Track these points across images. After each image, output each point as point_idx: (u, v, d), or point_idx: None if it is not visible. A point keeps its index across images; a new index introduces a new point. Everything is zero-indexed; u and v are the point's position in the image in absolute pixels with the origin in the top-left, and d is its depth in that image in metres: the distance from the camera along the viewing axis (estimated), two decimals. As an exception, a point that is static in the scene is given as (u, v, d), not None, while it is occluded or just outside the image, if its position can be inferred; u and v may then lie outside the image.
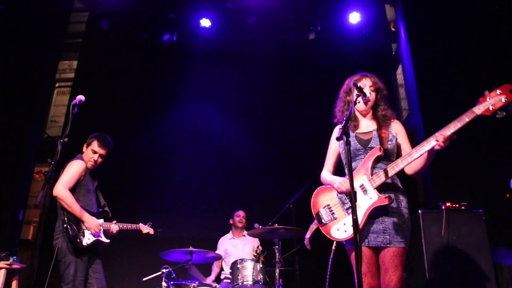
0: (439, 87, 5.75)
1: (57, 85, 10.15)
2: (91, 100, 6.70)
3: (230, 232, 6.08)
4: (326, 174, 3.06)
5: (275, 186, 6.69)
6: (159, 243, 4.75)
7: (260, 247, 5.08)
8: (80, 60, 8.11)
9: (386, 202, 2.65)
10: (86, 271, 3.84)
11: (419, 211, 4.14)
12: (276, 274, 4.50)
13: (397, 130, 2.95)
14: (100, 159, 4.10)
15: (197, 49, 7.49)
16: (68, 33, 7.67)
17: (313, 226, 3.03)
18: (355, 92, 2.73)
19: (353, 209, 2.19)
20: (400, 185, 2.87)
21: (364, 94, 2.86)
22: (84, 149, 4.12)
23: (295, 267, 5.27)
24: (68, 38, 7.87)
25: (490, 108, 2.52)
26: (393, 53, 7.81)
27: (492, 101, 2.53)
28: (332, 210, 2.89)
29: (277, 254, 4.59)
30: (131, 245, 6.17)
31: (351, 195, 2.19)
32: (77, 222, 3.84)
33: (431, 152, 2.66)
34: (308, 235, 3.06)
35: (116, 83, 7.39)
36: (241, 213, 6.06)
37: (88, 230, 3.86)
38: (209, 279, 5.70)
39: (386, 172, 2.71)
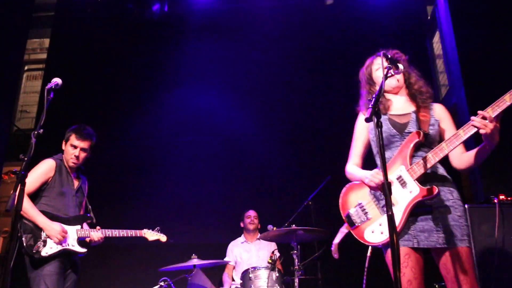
0: (486, 57, 5.68)
1: (26, 68, 10.16)
2: (68, 86, 6.78)
3: (242, 235, 6.11)
4: (353, 168, 3.02)
5: (290, 180, 6.69)
6: (157, 251, 4.78)
7: (276, 252, 5.10)
8: (53, 38, 8.08)
9: (430, 194, 2.60)
10: (62, 284, 3.89)
11: (466, 206, 3.96)
12: (296, 284, 4.50)
13: (440, 114, 2.90)
14: (83, 154, 4.15)
15: (193, 21, 7.46)
16: (38, 5, 7.65)
17: (343, 230, 3.00)
18: (385, 63, 2.66)
19: (388, 203, 2.15)
20: (447, 174, 2.81)
21: (396, 66, 2.76)
22: (63, 146, 4.18)
23: (317, 276, 5.28)
24: (38, 11, 7.86)
25: None
26: (429, 17, 7.73)
27: None
28: (365, 210, 2.86)
29: (296, 260, 4.60)
30: (124, 255, 6.23)
31: (385, 186, 2.16)
32: (37, 229, 3.89)
33: (486, 143, 2.54)
34: (337, 240, 3.03)
35: (98, 64, 7.37)
36: (251, 213, 6.07)
37: (50, 238, 3.89)
38: None
39: (428, 160, 2.66)
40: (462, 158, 2.78)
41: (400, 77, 2.96)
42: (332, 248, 3.08)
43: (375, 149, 2.99)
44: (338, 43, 7.24)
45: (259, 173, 6.88)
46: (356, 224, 2.86)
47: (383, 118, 2.91)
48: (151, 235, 4.47)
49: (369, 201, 2.87)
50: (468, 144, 2.75)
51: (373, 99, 2.35)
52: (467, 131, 2.57)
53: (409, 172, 2.71)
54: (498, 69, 5.45)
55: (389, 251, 2.75)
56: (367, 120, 2.31)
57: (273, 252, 5.06)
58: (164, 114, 7.08)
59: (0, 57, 6.51)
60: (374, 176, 2.75)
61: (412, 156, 2.76)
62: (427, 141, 2.79)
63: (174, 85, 7.24)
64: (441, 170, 2.82)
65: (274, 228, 4.83)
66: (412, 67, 3.03)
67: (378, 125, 2.29)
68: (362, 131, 3.10)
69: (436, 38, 7.73)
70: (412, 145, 2.75)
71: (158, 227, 4.54)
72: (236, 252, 5.95)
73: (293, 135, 7.04)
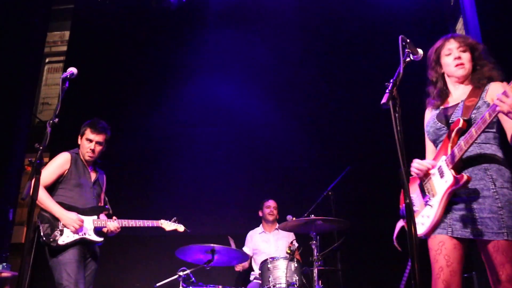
0: (512, 45, 5.53)
1: (47, 60, 10.25)
2: (88, 78, 6.89)
3: (261, 225, 6.09)
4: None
5: (310, 170, 6.64)
6: (175, 243, 4.79)
7: (294, 243, 5.07)
8: (73, 30, 8.15)
9: (458, 184, 2.55)
10: (83, 272, 3.99)
11: None
12: (315, 274, 4.48)
13: (492, 94, 2.67)
14: (98, 147, 4.27)
15: (211, 11, 7.43)
16: (58, -2, 7.72)
17: (399, 224, 3.04)
18: (403, 48, 2.55)
19: (405, 191, 2.12)
20: (499, 156, 2.68)
21: (416, 51, 2.64)
22: (79, 140, 4.31)
23: (337, 266, 5.21)
24: (58, 4, 7.91)
25: None
26: (452, 3, 7.55)
27: None
28: (414, 204, 2.86)
29: (315, 251, 4.58)
30: (141, 246, 6.29)
31: (402, 175, 2.12)
32: (54, 219, 4.00)
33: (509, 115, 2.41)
34: (395, 234, 3.04)
35: (117, 55, 7.41)
36: (271, 203, 6.05)
37: (66, 227, 3.98)
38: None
39: (460, 148, 2.59)
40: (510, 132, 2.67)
41: (467, 65, 2.84)
42: (394, 243, 3.10)
43: (431, 139, 2.94)
44: (358, 31, 7.13)
45: (278, 163, 6.84)
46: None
47: (434, 114, 2.90)
48: (168, 225, 4.49)
49: (418, 194, 2.86)
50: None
51: (391, 83, 2.29)
52: (491, 113, 2.45)
53: (446, 161, 2.67)
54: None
55: (428, 241, 2.75)
56: (383, 106, 2.25)
57: (291, 243, 5.05)
58: (182, 104, 7.06)
59: (20, 50, 6.56)
60: (414, 165, 2.77)
61: (455, 145, 2.67)
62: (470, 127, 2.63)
63: (192, 75, 7.22)
64: (489, 151, 2.69)
65: (294, 219, 4.80)
66: (487, 55, 2.89)
67: (396, 110, 2.22)
68: (426, 127, 3.01)
69: (460, 25, 7.54)
70: (453, 133, 2.69)
71: (175, 217, 4.56)
72: (254, 241, 5.95)
73: (313, 125, 6.98)
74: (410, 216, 2.04)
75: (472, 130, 2.53)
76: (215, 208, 6.58)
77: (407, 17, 6.86)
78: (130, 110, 7.09)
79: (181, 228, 4.54)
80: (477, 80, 2.81)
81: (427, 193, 2.78)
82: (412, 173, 2.79)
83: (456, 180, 2.56)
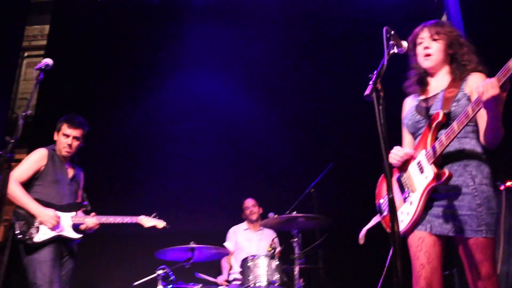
0: (495, 42, 5.52)
1: (26, 54, 10.11)
2: (69, 72, 6.76)
3: (245, 222, 6.03)
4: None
5: (293, 167, 6.59)
6: (154, 240, 4.75)
7: (275, 240, 5.01)
8: (53, 24, 7.99)
9: (439, 180, 2.50)
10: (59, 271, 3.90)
11: None
12: (296, 272, 4.43)
13: (472, 86, 2.61)
14: (75, 143, 4.20)
15: (196, 4, 7.35)
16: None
17: (376, 219, 2.97)
18: (387, 40, 2.48)
19: (389, 186, 2.06)
20: (478, 151, 2.62)
21: (400, 44, 2.57)
22: (56, 136, 4.24)
23: (319, 264, 5.21)
24: (38, -3, 7.76)
25: None
26: (435, 0, 7.55)
27: None
28: None
29: (296, 249, 4.53)
30: (120, 243, 6.17)
31: (386, 169, 2.06)
32: (30, 216, 3.92)
33: (485, 105, 2.35)
34: (367, 226, 2.99)
35: (98, 50, 7.27)
36: (249, 202, 5.98)
37: (43, 224, 3.90)
38: (221, 279, 5.65)
39: (441, 143, 2.53)
40: (482, 132, 2.61)
41: (436, 56, 2.76)
42: (360, 235, 3.03)
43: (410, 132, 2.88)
44: (342, 27, 7.10)
45: (261, 160, 6.79)
46: (384, 213, 2.82)
47: (412, 104, 2.84)
48: (148, 221, 4.42)
49: (396, 190, 2.79)
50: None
51: (374, 75, 2.23)
52: (475, 108, 2.40)
53: (426, 156, 2.61)
54: (508, 54, 5.29)
55: (409, 238, 2.70)
56: (366, 97, 2.19)
57: (273, 240, 4.99)
58: (164, 100, 6.98)
59: (-3, 43, 6.43)
60: (395, 152, 2.72)
61: (435, 139, 2.62)
62: (453, 120, 2.56)
63: (174, 70, 7.12)
64: (468, 146, 2.63)
65: (275, 216, 4.75)
66: (466, 42, 2.81)
67: (379, 103, 2.16)
68: (404, 119, 2.94)
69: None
70: (432, 127, 2.62)
71: (155, 213, 4.48)
72: (237, 237, 5.88)
73: (296, 121, 6.93)
74: (393, 212, 1.97)
75: (454, 124, 2.48)
76: (197, 204, 6.49)
77: (390, 13, 6.84)
78: (111, 106, 6.96)
79: (161, 224, 4.46)
80: (457, 70, 2.73)
81: (406, 189, 2.72)
82: (391, 160, 2.73)
83: (438, 176, 2.51)
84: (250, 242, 5.81)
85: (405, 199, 2.70)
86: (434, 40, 2.75)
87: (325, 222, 4.70)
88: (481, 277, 2.47)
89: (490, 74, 2.56)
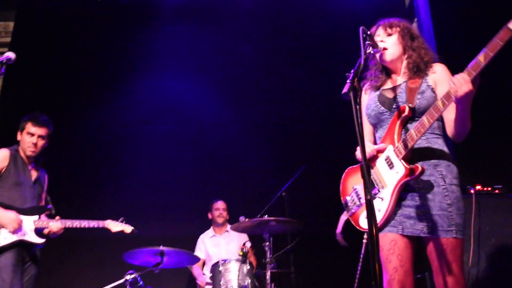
0: (465, 47, 5.59)
1: (-11, 52, 9.80)
2: (34, 71, 6.55)
3: (211, 228, 5.96)
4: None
5: (264, 170, 6.53)
6: (122, 244, 4.63)
7: (247, 244, 4.95)
8: (17, 21, 7.74)
9: (413, 175, 2.46)
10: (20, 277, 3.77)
11: None
12: (267, 277, 4.37)
13: (436, 77, 2.66)
14: (41, 142, 4.08)
15: (167, 5, 7.21)
16: (2, -14, 7.34)
17: (343, 218, 2.93)
18: (364, 40, 2.50)
19: (366, 186, 2.01)
20: (446, 150, 2.64)
21: (375, 45, 2.64)
22: (19, 136, 4.12)
23: (290, 269, 5.16)
24: (2, -8, 7.53)
25: None
26: (406, 6, 7.63)
27: None
28: (359, 195, 2.76)
29: (268, 253, 4.49)
30: (86, 248, 6.02)
31: (363, 168, 2.01)
32: None
33: (457, 107, 2.40)
34: (338, 229, 2.95)
35: (65, 48, 7.05)
36: (220, 204, 5.93)
37: (4, 227, 3.78)
38: (202, 280, 5.55)
39: (411, 137, 2.51)
40: (450, 125, 2.60)
41: (392, 49, 2.76)
42: (338, 238, 2.99)
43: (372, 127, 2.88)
44: (312, 30, 7.10)
45: (232, 163, 6.71)
46: (352, 211, 2.78)
47: (374, 95, 2.81)
48: (115, 225, 4.30)
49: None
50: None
51: (351, 74, 2.20)
52: (445, 101, 2.40)
53: (395, 151, 2.58)
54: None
55: (380, 240, 2.63)
56: (344, 96, 2.15)
57: (244, 244, 4.93)
58: (133, 101, 6.83)
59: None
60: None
61: (401, 133, 2.61)
62: (417, 113, 2.60)
63: (143, 72, 6.97)
64: (437, 145, 2.63)
65: (246, 219, 4.69)
66: (417, 35, 2.84)
67: (355, 101, 2.11)
68: (364, 109, 2.93)
69: (414, 26, 7.61)
70: (398, 122, 2.61)
71: (123, 218, 4.38)
72: (205, 246, 5.82)
73: (267, 124, 6.88)
74: (371, 212, 1.92)
75: (424, 119, 2.48)
76: (165, 208, 6.37)
77: (361, 20, 6.83)
78: (78, 106, 6.77)
79: (128, 229, 4.35)
80: (413, 63, 2.73)
81: (375, 185, 2.68)
82: (358, 156, 2.71)
83: (411, 171, 2.48)
84: (218, 247, 5.76)
85: (375, 196, 2.65)
86: (389, 35, 2.79)
87: (297, 226, 4.67)
88: (450, 278, 2.46)
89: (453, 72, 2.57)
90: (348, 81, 2.16)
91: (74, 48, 7.08)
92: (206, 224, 6.01)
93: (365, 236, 3.50)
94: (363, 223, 2.69)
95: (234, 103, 6.90)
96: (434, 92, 2.64)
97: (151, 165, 6.61)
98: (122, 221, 4.35)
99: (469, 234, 3.85)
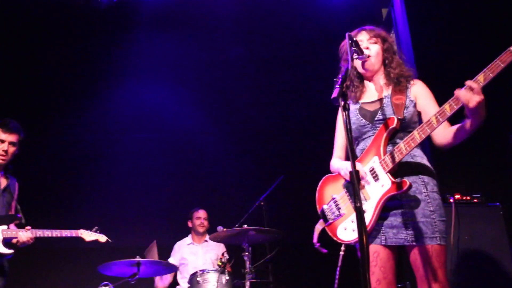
0: (443, 60, 5.64)
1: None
2: (7, 77, 6.36)
3: (189, 236, 5.88)
4: (335, 160, 2.87)
5: (242, 180, 6.52)
6: (97, 255, 4.52)
7: (226, 255, 4.87)
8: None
9: (401, 190, 2.43)
10: None
11: None
12: (246, 287, 4.33)
13: (417, 92, 2.68)
14: (11, 149, 3.95)
15: (145, 11, 7.04)
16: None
17: (318, 227, 2.82)
18: (350, 46, 2.44)
19: (356, 193, 1.95)
20: (426, 163, 2.64)
21: (361, 51, 2.59)
22: None
23: (269, 279, 5.10)
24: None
25: None
26: (384, 18, 7.68)
27: None
28: (338, 205, 2.70)
29: (247, 263, 4.44)
30: (59, 258, 5.88)
31: (353, 175, 1.95)
32: None
33: (469, 118, 2.34)
34: (314, 239, 2.86)
35: (41, 55, 6.84)
36: (201, 213, 5.85)
37: None
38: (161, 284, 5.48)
39: (400, 150, 2.49)
40: (445, 134, 2.55)
41: (375, 59, 2.72)
42: (316, 247, 2.91)
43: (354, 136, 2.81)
44: (292, 42, 7.09)
45: (210, 173, 6.70)
46: (329, 221, 2.71)
47: (354, 108, 2.75)
48: (89, 235, 4.20)
49: (343, 196, 2.71)
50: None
51: (339, 79, 2.14)
52: (439, 118, 2.37)
53: (381, 164, 2.54)
54: (454, 71, 5.42)
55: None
56: (334, 100, 2.08)
57: (223, 254, 4.84)
58: (110, 109, 6.72)
59: None
60: (347, 167, 2.61)
61: (387, 145, 2.58)
62: (402, 126, 2.59)
63: (122, 79, 6.86)
64: (419, 158, 2.63)
65: (224, 229, 4.58)
66: (399, 52, 2.84)
67: (345, 108, 2.06)
68: (340, 121, 2.91)
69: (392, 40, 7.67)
70: (386, 133, 2.57)
71: (97, 227, 4.27)
72: (182, 252, 5.72)
73: (246, 133, 6.87)
74: (360, 221, 1.86)
75: (416, 133, 2.45)
76: (142, 218, 6.31)
77: (339, 31, 6.85)
78: (54, 114, 6.62)
79: (103, 238, 4.26)
80: (397, 78, 2.70)
81: None
82: (343, 173, 2.66)
83: (398, 186, 2.44)
84: (196, 256, 5.67)
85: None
86: (373, 43, 2.75)
87: (277, 235, 4.63)
88: (436, 285, 2.44)
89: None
90: (337, 86, 2.10)
91: (50, 54, 6.90)
92: (183, 234, 5.92)
93: (342, 248, 3.44)
94: (342, 234, 2.63)
95: (213, 112, 6.87)
96: (415, 107, 2.66)
97: (128, 174, 6.50)
98: (96, 231, 4.27)
99: (448, 242, 3.73)
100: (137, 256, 4.40)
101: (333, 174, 2.82)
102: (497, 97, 4.88)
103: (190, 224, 5.85)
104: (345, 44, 2.73)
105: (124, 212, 6.30)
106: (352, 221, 2.59)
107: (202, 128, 6.75)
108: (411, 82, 2.72)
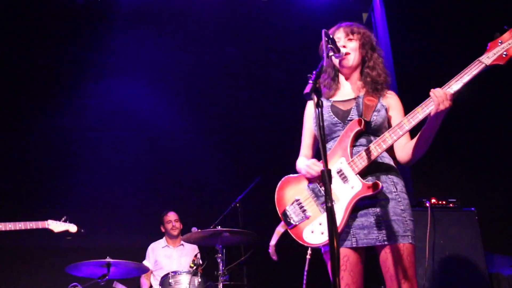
0: (421, 65, 5.64)
1: None
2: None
3: (164, 238, 5.76)
4: (301, 160, 2.78)
5: (218, 181, 6.40)
6: (65, 255, 4.37)
7: (198, 256, 4.77)
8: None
9: (371, 191, 2.38)
10: None
11: None
12: (220, 289, 4.24)
13: (390, 101, 2.66)
14: None
15: (122, 10, 6.90)
16: None
17: (279, 230, 2.67)
18: (326, 44, 2.38)
19: (327, 193, 1.86)
20: (393, 164, 2.60)
21: (337, 50, 2.53)
22: None
23: (243, 281, 5.08)
24: None
25: (504, 55, 2.32)
26: (364, 21, 7.67)
27: (506, 45, 2.33)
28: (303, 207, 2.58)
29: (220, 265, 4.36)
30: (25, 257, 5.67)
31: (325, 175, 1.86)
32: None
33: (430, 123, 2.39)
34: (273, 241, 2.74)
35: (14, 49, 6.66)
36: (171, 216, 5.71)
37: None
38: None
39: (370, 152, 2.44)
40: (405, 149, 2.56)
41: (352, 57, 2.66)
42: (270, 251, 2.80)
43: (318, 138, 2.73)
44: (272, 42, 7.04)
45: (185, 173, 6.57)
46: (293, 223, 2.58)
47: (326, 105, 2.67)
48: (57, 225, 4.04)
49: (307, 197, 2.59)
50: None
51: (313, 75, 2.07)
52: (411, 120, 2.40)
53: (350, 165, 2.48)
54: (433, 76, 5.44)
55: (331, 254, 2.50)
56: (306, 96, 2.00)
57: (195, 256, 4.74)
58: (85, 107, 6.58)
59: None
60: (310, 167, 2.53)
61: (353, 146, 2.53)
62: (371, 129, 2.55)
63: (98, 76, 6.71)
64: (387, 159, 2.59)
65: (199, 230, 4.50)
66: (378, 48, 2.74)
67: (318, 104, 1.98)
68: (308, 119, 2.83)
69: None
70: (352, 134, 2.52)
71: (66, 216, 4.07)
72: (156, 255, 5.60)
73: (222, 134, 6.79)
74: (332, 223, 1.77)
75: (387, 135, 2.44)
76: (116, 218, 6.15)
77: (318, 34, 6.82)
78: (27, 110, 6.47)
79: (73, 228, 4.10)
80: (373, 81, 2.66)
81: (322, 197, 2.54)
82: (306, 173, 2.57)
83: (370, 188, 2.39)
84: (170, 259, 5.55)
85: (324, 208, 2.47)
86: (350, 39, 2.68)
87: (251, 237, 4.54)
88: (406, 284, 2.39)
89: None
90: (310, 81, 2.03)
91: (24, 50, 6.71)
92: (157, 234, 5.80)
93: (309, 251, 3.37)
94: (309, 237, 2.51)
95: (189, 112, 6.77)
96: (387, 111, 2.63)
97: (101, 173, 6.36)
98: (65, 221, 4.06)
99: (424, 247, 3.82)
100: (108, 257, 4.27)
101: (293, 175, 2.72)
102: (475, 104, 4.95)
103: (163, 229, 5.74)
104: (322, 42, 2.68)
105: (96, 211, 6.13)
106: (320, 224, 2.50)
107: (178, 127, 6.64)
108: (387, 93, 2.68)
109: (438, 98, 2.29)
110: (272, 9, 6.98)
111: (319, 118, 1.96)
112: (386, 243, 2.41)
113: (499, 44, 2.35)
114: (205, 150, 6.56)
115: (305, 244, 2.52)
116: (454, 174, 4.89)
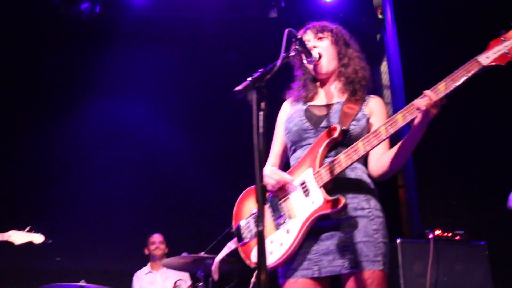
0: (432, 81, 5.35)
1: None
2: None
3: (148, 264, 5.60)
4: (266, 169, 2.45)
5: (212, 204, 6.23)
6: (40, 278, 4.12)
7: (178, 284, 4.47)
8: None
9: (334, 208, 2.04)
10: None
11: (397, 241, 3.70)
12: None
13: (373, 108, 2.37)
14: None
15: (125, 27, 6.90)
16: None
17: (231, 245, 2.43)
18: (285, 42, 2.08)
19: (260, 215, 1.57)
20: (367, 179, 2.28)
21: (309, 53, 2.28)
22: None
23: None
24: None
25: (506, 54, 1.98)
26: (377, 39, 7.49)
27: (510, 43, 1.99)
28: (256, 221, 2.28)
29: None
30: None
31: (258, 192, 1.59)
32: None
33: (413, 132, 2.08)
34: (219, 257, 2.50)
35: (14, 64, 6.67)
36: (156, 237, 5.58)
37: None
38: None
39: (338, 163, 2.11)
40: (381, 160, 2.22)
41: (326, 58, 2.37)
42: (212, 268, 2.49)
43: (288, 144, 2.42)
44: (282, 66, 6.81)
45: (177, 194, 6.47)
46: (244, 240, 2.30)
47: (300, 109, 2.39)
48: (20, 236, 3.60)
49: (267, 212, 2.27)
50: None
51: (258, 72, 1.83)
52: (390, 128, 2.07)
53: (315, 177, 2.15)
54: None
55: (286, 285, 2.19)
56: (237, 94, 1.70)
57: (175, 283, 4.45)
58: (76, 125, 6.56)
59: None
60: (270, 175, 2.22)
61: (325, 157, 2.20)
62: (348, 139, 2.22)
63: (95, 94, 6.70)
64: (360, 171, 2.27)
65: (184, 255, 4.21)
66: (354, 43, 2.48)
67: (259, 107, 1.71)
68: (280, 125, 2.53)
69: (384, 68, 7.45)
70: (325, 143, 2.19)
71: (30, 226, 3.67)
72: (141, 284, 5.44)
73: (221, 153, 6.64)
74: (261, 251, 1.43)
75: (360, 144, 2.11)
76: (97, 240, 6.03)
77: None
78: (23, 128, 6.51)
79: (38, 238, 3.66)
80: (347, 78, 2.38)
81: (282, 213, 2.22)
82: (268, 186, 2.24)
83: (333, 203, 2.05)
84: (154, 285, 5.41)
85: (278, 226, 2.21)
86: (320, 39, 2.42)
87: (238, 265, 4.16)
88: None
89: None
90: (248, 79, 1.76)
91: (23, 67, 6.74)
92: (143, 259, 5.63)
93: (255, 274, 3.04)
94: (255, 257, 2.21)
95: (186, 132, 6.69)
96: (368, 121, 2.35)
97: (87, 193, 6.26)
98: (29, 231, 3.67)
99: (424, 284, 3.56)
100: (82, 280, 4.04)
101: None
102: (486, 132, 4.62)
103: (146, 251, 5.61)
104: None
105: (90, 235, 6.04)
106: (272, 242, 2.18)
107: (174, 148, 6.56)
108: (371, 97, 2.41)
109: (426, 104, 1.98)
110: (280, 28, 6.80)
111: (257, 124, 1.68)
112: (352, 270, 2.07)
113: (502, 41, 2.02)
114: (200, 172, 6.42)
115: (252, 265, 2.24)
116: (462, 204, 4.53)
